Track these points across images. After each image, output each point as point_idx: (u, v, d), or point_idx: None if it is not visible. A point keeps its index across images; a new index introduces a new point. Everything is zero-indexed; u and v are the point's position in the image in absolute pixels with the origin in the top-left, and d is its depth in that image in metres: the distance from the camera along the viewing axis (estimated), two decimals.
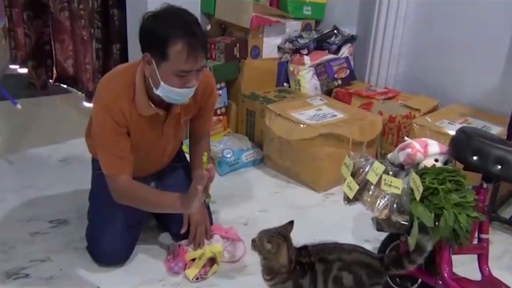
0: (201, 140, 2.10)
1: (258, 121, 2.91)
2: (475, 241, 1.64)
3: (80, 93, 3.76)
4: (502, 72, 2.61)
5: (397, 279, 1.74)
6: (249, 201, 2.49)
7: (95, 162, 2.00)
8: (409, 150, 1.60)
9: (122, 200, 1.83)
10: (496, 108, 2.59)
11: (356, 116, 2.71)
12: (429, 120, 2.55)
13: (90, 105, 3.29)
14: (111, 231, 1.91)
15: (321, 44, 3.12)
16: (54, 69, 3.89)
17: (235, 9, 2.98)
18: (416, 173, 1.49)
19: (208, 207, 2.07)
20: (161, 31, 1.61)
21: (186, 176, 2.10)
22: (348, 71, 3.06)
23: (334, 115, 2.70)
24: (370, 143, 2.68)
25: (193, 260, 1.91)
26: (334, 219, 2.32)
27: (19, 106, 2.50)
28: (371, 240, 2.08)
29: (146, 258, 2.00)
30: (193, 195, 1.66)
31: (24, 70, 3.95)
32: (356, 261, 1.50)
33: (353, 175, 1.65)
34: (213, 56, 2.96)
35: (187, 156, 2.18)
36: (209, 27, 3.23)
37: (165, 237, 2.11)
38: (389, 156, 1.71)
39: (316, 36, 3.12)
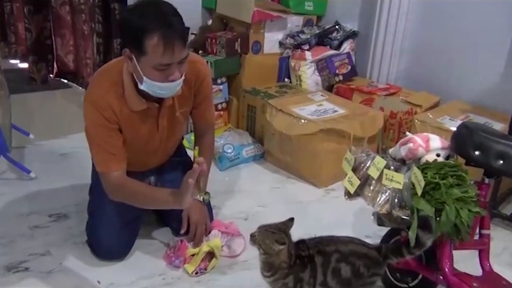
0: (205, 135, 2.08)
1: (259, 117, 2.90)
2: (476, 237, 1.63)
3: (80, 88, 3.76)
4: (504, 69, 2.60)
5: (398, 274, 1.73)
6: (250, 196, 2.48)
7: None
8: (410, 144, 1.59)
9: (116, 197, 1.82)
10: (498, 104, 2.59)
11: (357, 112, 2.70)
12: (430, 116, 2.55)
13: None
14: (111, 225, 1.91)
15: (322, 39, 3.12)
16: (54, 63, 3.89)
17: (237, 4, 2.97)
18: (417, 167, 1.48)
19: (208, 203, 2.06)
20: (136, 24, 1.56)
21: (186, 171, 2.07)
22: (349, 67, 3.05)
23: (335, 111, 2.69)
24: (371, 139, 2.68)
25: (193, 255, 1.91)
26: (335, 214, 2.32)
27: (32, 175, 2.51)
28: (371, 235, 2.08)
29: (146, 253, 2.00)
30: (185, 190, 1.61)
31: (24, 65, 3.95)
32: (353, 252, 1.50)
33: (354, 170, 1.64)
34: (214, 51, 2.95)
35: (188, 151, 2.18)
36: (210, 22, 3.23)
37: (165, 232, 2.11)
38: (390, 151, 1.70)
39: (317, 31, 3.11)
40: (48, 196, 2.35)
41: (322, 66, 3.04)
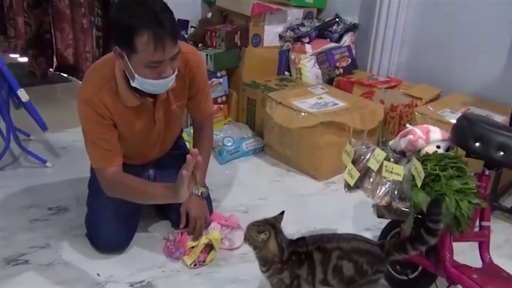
0: (203, 128, 2.07)
1: (259, 110, 2.89)
2: (477, 229, 1.63)
3: (80, 82, 3.73)
4: (505, 62, 2.59)
5: (398, 267, 1.73)
6: (250, 189, 2.48)
7: None
8: (410, 136, 1.59)
9: (113, 193, 1.82)
10: (499, 97, 2.58)
11: (357, 105, 2.69)
12: (431, 109, 2.54)
13: None
14: (111, 218, 1.91)
15: (322, 32, 3.10)
16: (54, 58, 3.88)
17: None
18: (417, 159, 1.48)
19: (208, 196, 2.06)
20: (126, 22, 1.53)
21: None
22: (349, 60, 3.04)
23: (335, 104, 2.68)
24: (371, 132, 2.67)
25: (193, 248, 1.91)
26: (335, 207, 2.31)
27: (49, 164, 2.55)
28: (371, 228, 2.08)
29: (145, 245, 2.00)
30: (180, 182, 1.58)
31: (24, 59, 3.94)
32: (355, 249, 1.48)
33: (354, 162, 1.63)
34: (214, 44, 2.94)
35: (188, 145, 2.17)
36: (210, 14, 3.22)
37: (165, 225, 2.11)
38: (390, 143, 1.70)
39: (317, 24, 3.10)
40: (48, 189, 2.36)
41: (322, 59, 3.03)
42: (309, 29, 3.03)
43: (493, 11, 2.58)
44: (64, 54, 3.84)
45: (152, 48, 1.53)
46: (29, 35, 3.70)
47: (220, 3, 3.07)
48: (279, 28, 3.09)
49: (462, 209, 1.42)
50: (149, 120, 1.85)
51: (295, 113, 2.57)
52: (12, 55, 4.11)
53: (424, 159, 1.50)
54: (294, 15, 3.11)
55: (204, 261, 1.89)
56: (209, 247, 1.92)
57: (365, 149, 1.64)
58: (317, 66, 3.05)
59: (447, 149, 1.59)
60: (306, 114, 2.55)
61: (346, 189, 1.69)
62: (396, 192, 1.52)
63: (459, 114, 2.32)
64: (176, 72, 1.67)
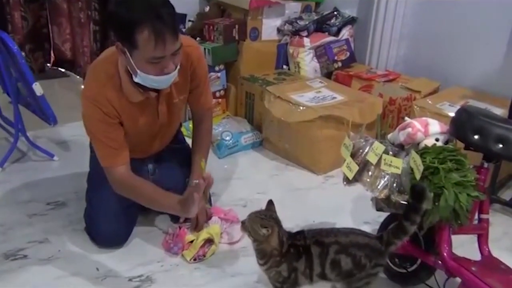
0: (202, 122, 2.06)
1: (257, 104, 2.89)
2: (475, 222, 1.63)
3: (78, 76, 3.74)
4: (503, 55, 2.59)
5: (396, 260, 1.73)
6: (248, 183, 2.48)
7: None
8: (409, 129, 1.58)
9: (121, 192, 1.82)
10: (497, 90, 2.57)
11: (356, 98, 2.69)
12: (429, 102, 2.54)
13: None
14: (110, 212, 1.91)
15: (321, 26, 3.09)
16: (51, 52, 3.86)
17: None
18: (416, 152, 1.47)
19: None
20: (125, 18, 1.52)
21: (185, 158, 2.08)
22: (348, 53, 3.03)
23: (334, 97, 2.68)
24: (370, 126, 2.65)
25: (191, 242, 1.91)
26: (333, 201, 2.31)
27: (56, 158, 2.59)
28: (370, 222, 2.08)
29: (144, 240, 2.00)
30: (191, 201, 1.67)
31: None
32: (354, 243, 1.48)
33: (353, 155, 1.63)
34: (212, 38, 2.93)
35: (187, 139, 2.17)
36: (207, 8, 3.20)
37: (164, 219, 2.10)
38: (389, 136, 1.70)
39: (316, 17, 3.08)
40: (46, 184, 2.35)
41: (321, 52, 3.02)
42: (307, 23, 3.02)
43: (491, 5, 2.56)
44: (61, 49, 3.82)
45: (152, 44, 1.52)
46: (26, 29, 3.67)
47: None
48: (277, 22, 3.08)
49: (461, 202, 1.42)
50: (152, 114, 1.84)
51: (293, 107, 2.57)
52: None
53: (423, 152, 1.50)
54: (292, 8, 3.10)
55: (204, 256, 1.89)
56: (209, 241, 1.92)
57: (364, 143, 1.64)
58: (316, 60, 3.04)
59: (446, 142, 1.58)
60: (304, 108, 2.54)
61: (344, 183, 1.69)
62: (395, 185, 1.52)
63: (458, 107, 2.32)
64: (178, 67, 1.66)
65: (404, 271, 1.72)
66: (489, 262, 1.59)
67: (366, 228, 1.94)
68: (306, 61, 3.02)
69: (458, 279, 1.55)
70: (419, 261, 1.68)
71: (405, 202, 1.49)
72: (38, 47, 3.74)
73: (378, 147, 1.56)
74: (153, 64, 1.58)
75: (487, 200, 1.61)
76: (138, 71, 1.61)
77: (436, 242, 1.56)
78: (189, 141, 2.18)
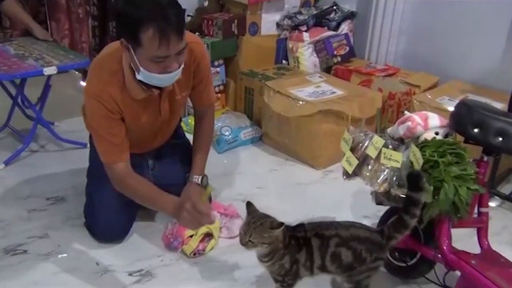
0: (204, 117, 2.06)
1: (257, 99, 2.88)
2: (475, 215, 1.63)
3: (76, 72, 3.72)
4: (503, 49, 2.58)
5: (396, 253, 1.73)
6: (248, 178, 2.48)
7: (92, 139, 1.97)
8: (409, 123, 1.58)
9: (120, 189, 1.82)
10: (497, 84, 2.56)
11: (355, 93, 2.68)
12: (429, 96, 2.53)
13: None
14: (109, 207, 1.91)
15: (320, 20, 3.09)
16: None
17: None
18: (416, 146, 1.47)
19: (207, 184, 2.05)
20: (132, 16, 1.51)
21: (185, 153, 2.07)
22: (347, 48, 3.03)
23: (333, 92, 2.67)
24: (370, 120, 2.65)
25: (191, 236, 1.91)
26: (333, 196, 2.31)
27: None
28: (370, 216, 2.08)
29: (144, 235, 2.00)
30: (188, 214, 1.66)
31: None
32: (354, 237, 1.48)
33: (353, 150, 1.63)
34: (211, 33, 2.92)
35: (187, 134, 2.16)
36: (206, 3, 3.19)
37: (164, 214, 2.10)
38: (389, 130, 1.69)
39: (315, 12, 3.08)
40: (46, 180, 2.35)
41: (320, 47, 3.01)
42: (306, 17, 3.01)
43: (492, 0, 2.56)
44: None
45: (156, 43, 1.51)
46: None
47: None
48: (277, 17, 3.07)
49: (460, 195, 1.42)
50: (154, 111, 1.84)
51: (293, 102, 2.56)
52: None
53: (423, 146, 1.50)
54: (292, 3, 3.09)
55: (203, 250, 1.89)
56: (208, 236, 1.92)
57: (364, 137, 1.63)
58: (315, 55, 3.04)
59: (446, 136, 1.58)
60: (304, 102, 2.54)
61: (344, 177, 1.68)
62: (394, 179, 1.51)
63: (457, 102, 2.32)
64: (182, 66, 1.65)
65: (404, 264, 1.73)
66: (489, 256, 1.59)
67: (366, 222, 1.92)
68: (306, 55, 3.02)
69: (458, 273, 1.56)
70: (419, 255, 1.68)
71: (404, 196, 1.49)
72: None
73: (378, 141, 1.56)
74: (157, 63, 1.57)
75: (487, 193, 1.61)
76: (141, 68, 1.60)
77: (435, 235, 1.56)
78: (189, 136, 2.18)
